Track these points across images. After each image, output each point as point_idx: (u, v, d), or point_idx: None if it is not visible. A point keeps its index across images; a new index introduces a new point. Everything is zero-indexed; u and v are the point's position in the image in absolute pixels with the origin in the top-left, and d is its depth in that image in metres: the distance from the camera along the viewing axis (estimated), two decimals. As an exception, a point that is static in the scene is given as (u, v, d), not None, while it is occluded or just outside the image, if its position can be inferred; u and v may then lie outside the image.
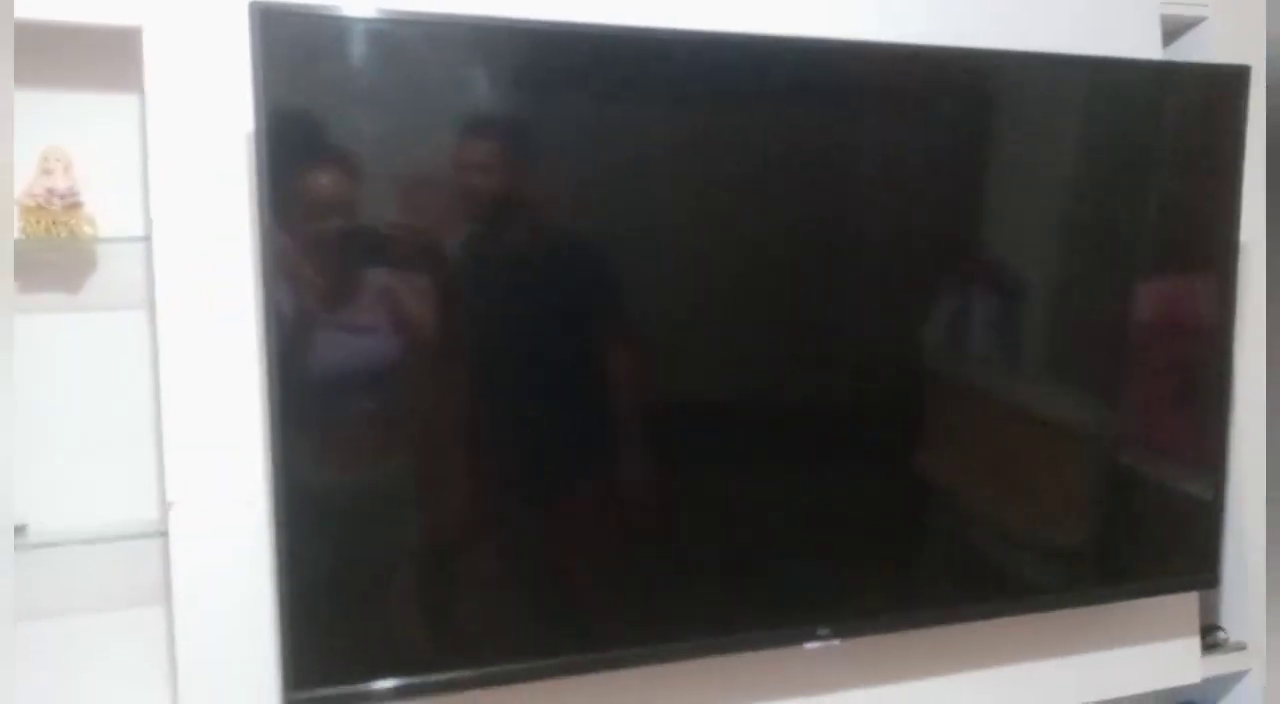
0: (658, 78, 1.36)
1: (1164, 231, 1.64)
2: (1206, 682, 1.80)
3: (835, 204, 1.47)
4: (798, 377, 1.47)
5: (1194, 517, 1.66)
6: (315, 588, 1.23)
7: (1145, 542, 1.67)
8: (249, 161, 1.28)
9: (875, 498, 1.52)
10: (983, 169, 1.54)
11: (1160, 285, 1.65)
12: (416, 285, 1.27)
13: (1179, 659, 1.75)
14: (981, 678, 1.64)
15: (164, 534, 1.30)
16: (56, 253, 1.37)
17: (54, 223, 1.33)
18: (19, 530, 1.33)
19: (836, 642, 1.46)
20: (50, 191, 1.33)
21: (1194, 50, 1.81)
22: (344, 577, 1.25)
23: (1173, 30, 1.80)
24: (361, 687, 1.25)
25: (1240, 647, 1.80)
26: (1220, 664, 1.79)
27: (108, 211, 1.37)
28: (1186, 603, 1.75)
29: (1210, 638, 1.80)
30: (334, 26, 1.20)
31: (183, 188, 1.28)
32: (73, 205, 1.34)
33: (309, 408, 1.22)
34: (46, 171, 1.34)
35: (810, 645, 1.45)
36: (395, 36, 1.23)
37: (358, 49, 1.22)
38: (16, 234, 1.31)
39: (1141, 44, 1.72)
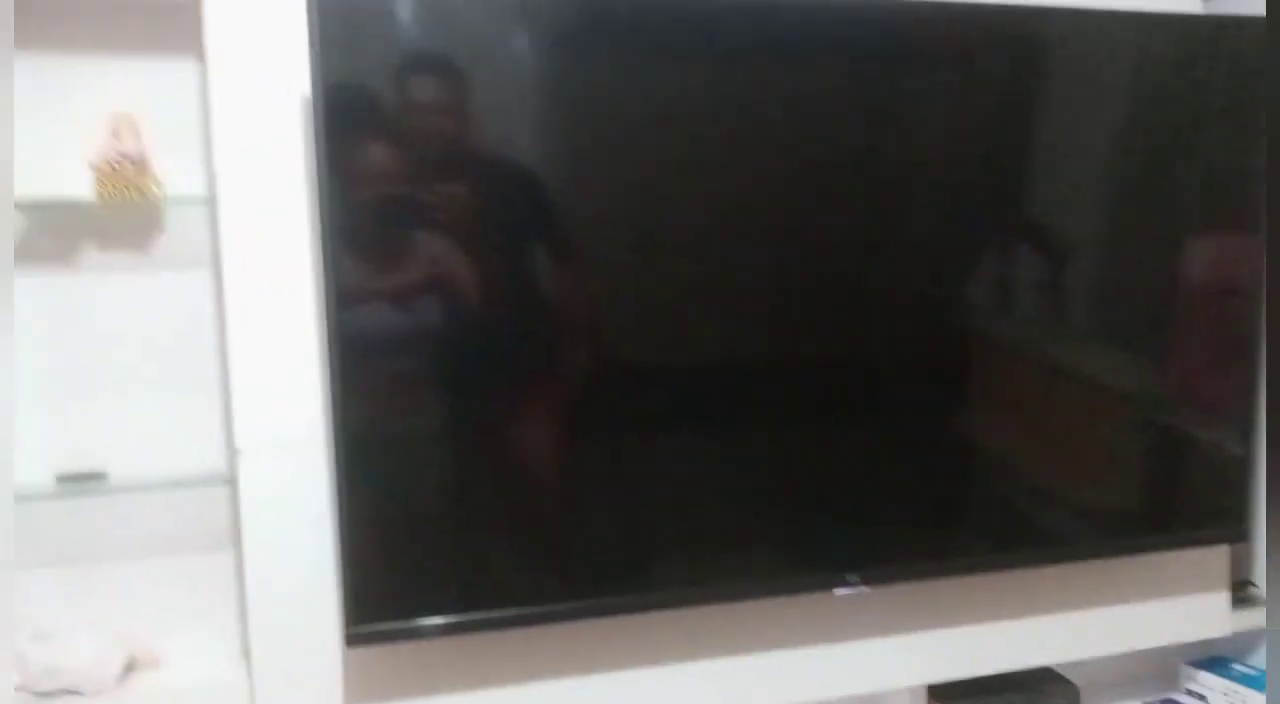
0: (716, 39, 1.39)
1: (1206, 188, 1.64)
2: (1237, 636, 1.83)
3: (880, 163, 1.50)
4: (838, 332, 1.52)
5: (1224, 471, 1.68)
6: (371, 528, 1.30)
7: (1175, 496, 1.69)
8: (306, 125, 1.34)
9: (910, 449, 1.56)
10: (1027, 127, 1.55)
11: (1203, 243, 1.65)
12: (464, 246, 1.33)
13: (1208, 612, 1.78)
14: (1008, 628, 1.68)
15: (231, 481, 1.39)
16: (126, 214, 1.44)
17: (125, 184, 1.40)
18: (99, 477, 1.42)
19: (866, 589, 1.51)
20: (122, 155, 1.40)
21: (1236, 3, 1.79)
22: (397, 517, 1.33)
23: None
24: (417, 621, 1.33)
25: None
26: (1251, 619, 1.81)
27: (173, 173, 1.44)
28: (1217, 557, 1.77)
29: (1242, 592, 1.82)
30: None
31: (243, 150, 1.34)
32: (141, 168, 1.41)
33: (363, 359, 1.29)
34: (116, 135, 1.40)
35: (840, 592, 1.51)
36: (448, 4, 1.27)
37: (411, 16, 1.26)
38: (89, 196, 1.38)
39: (1181, -2, 1.71)
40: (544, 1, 1.32)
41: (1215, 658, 1.88)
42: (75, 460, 1.41)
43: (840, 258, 1.51)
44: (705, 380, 1.47)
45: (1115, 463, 1.66)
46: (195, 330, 1.45)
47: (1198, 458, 1.70)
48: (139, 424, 1.45)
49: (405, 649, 1.39)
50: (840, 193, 1.48)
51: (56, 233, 1.42)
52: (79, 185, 1.38)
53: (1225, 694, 1.79)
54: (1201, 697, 1.83)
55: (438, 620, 1.34)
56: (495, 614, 1.37)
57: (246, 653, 1.39)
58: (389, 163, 1.28)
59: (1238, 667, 1.84)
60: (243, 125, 1.34)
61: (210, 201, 1.37)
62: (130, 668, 1.40)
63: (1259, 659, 1.87)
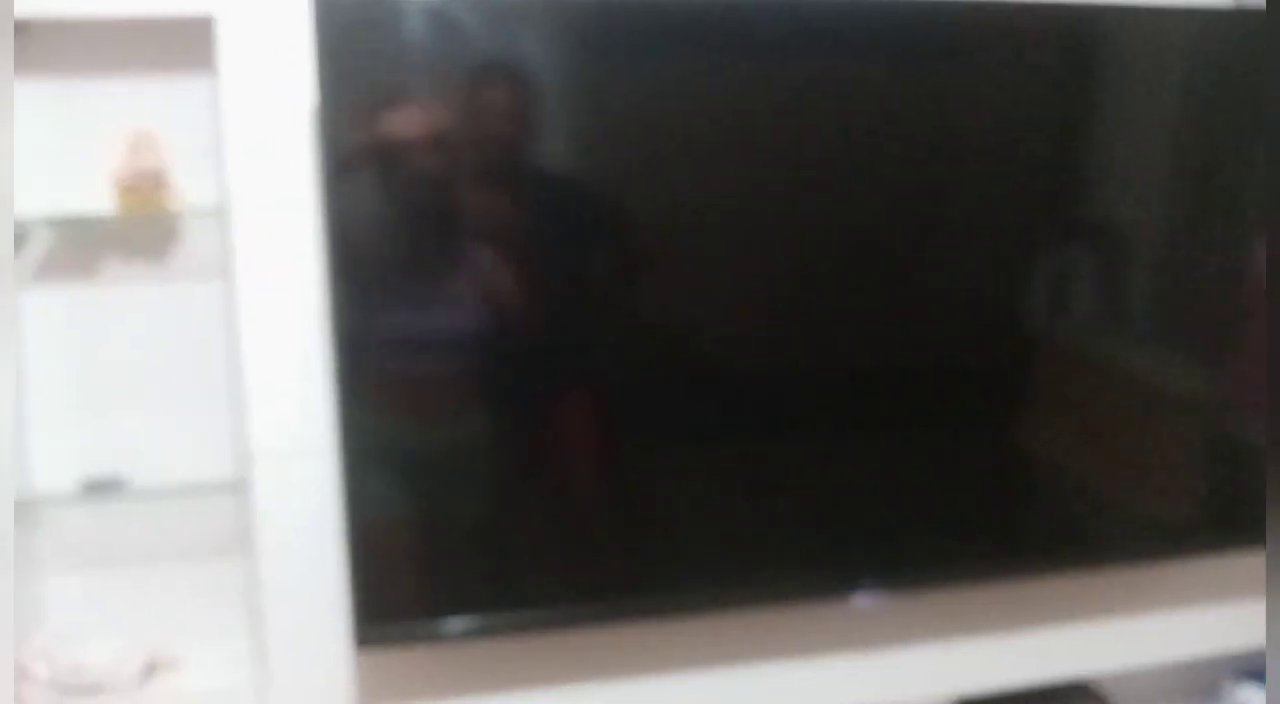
0: (744, 41, 1.39)
1: (1239, 186, 1.59)
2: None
3: (931, 164, 1.49)
4: (873, 336, 1.50)
5: (1261, 474, 1.62)
6: (379, 528, 1.32)
7: (1218, 500, 1.64)
8: (315, 135, 1.37)
9: (934, 453, 1.53)
10: (1083, 124, 1.52)
11: (1239, 242, 1.61)
12: (469, 255, 1.34)
13: (1249, 621, 1.71)
14: (1039, 638, 1.64)
15: (244, 488, 1.41)
16: (145, 228, 1.49)
17: (144, 200, 1.44)
18: (120, 484, 1.46)
19: (884, 596, 1.49)
20: (140, 171, 1.44)
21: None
22: (403, 520, 1.34)
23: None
24: (428, 624, 1.34)
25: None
26: None
27: (190, 187, 1.48)
28: (1257, 564, 1.71)
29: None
30: (389, 6, 1.27)
31: (254, 163, 1.37)
32: (160, 183, 1.45)
33: (368, 365, 1.31)
34: (135, 152, 1.45)
35: (858, 600, 1.48)
36: (447, 14, 1.29)
37: (412, 29, 1.28)
38: (110, 211, 1.43)
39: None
40: (560, 7, 1.33)
41: (1256, 670, 1.80)
42: (97, 467, 1.46)
43: (885, 259, 1.49)
44: (727, 386, 1.46)
45: (1156, 465, 1.61)
46: (211, 340, 1.49)
47: (1236, 461, 1.64)
48: (158, 432, 1.49)
49: (418, 652, 1.41)
50: (891, 194, 1.47)
51: (79, 247, 1.47)
52: (101, 201, 1.43)
53: (1270, 708, 1.71)
54: (1245, 710, 1.76)
55: (450, 623, 1.35)
56: (509, 618, 1.38)
57: (260, 656, 1.41)
58: (391, 173, 1.30)
59: None
60: (253, 139, 1.38)
61: (224, 214, 1.41)
62: (150, 670, 1.43)
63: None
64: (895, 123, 1.46)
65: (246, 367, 1.38)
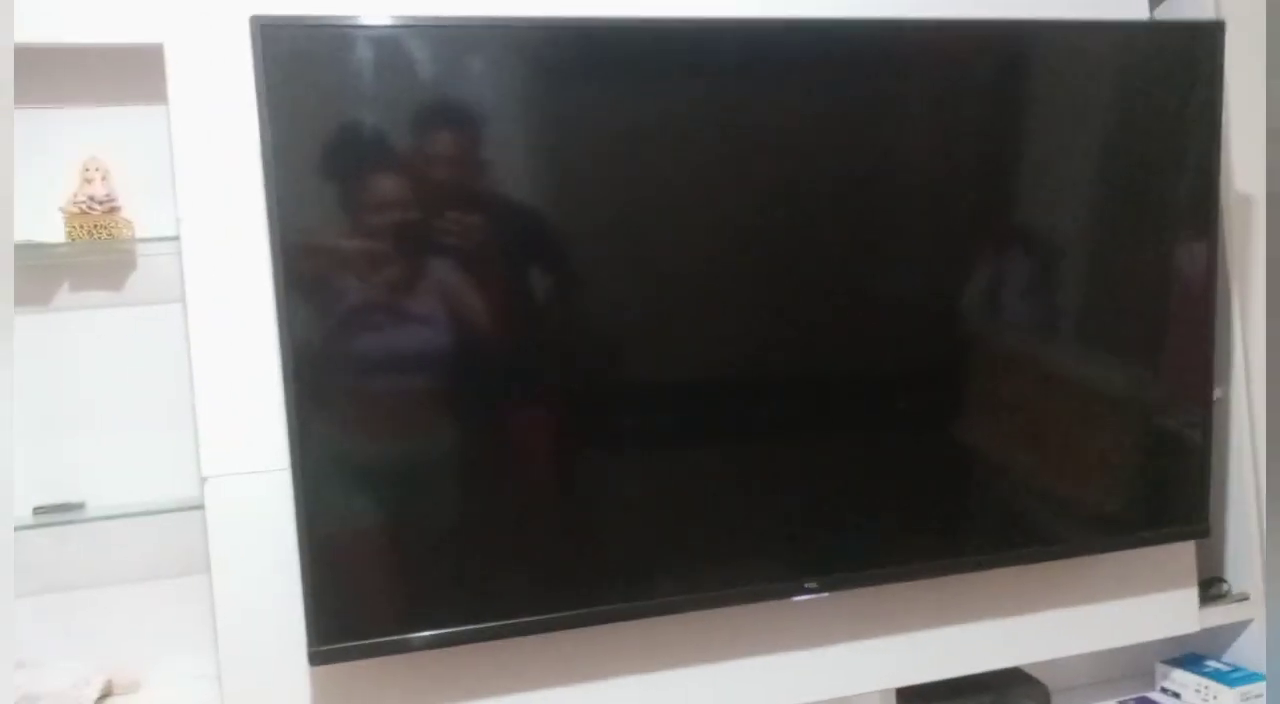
0: (686, 64, 1.46)
1: (1162, 191, 1.67)
2: (1210, 632, 1.84)
3: (869, 177, 1.55)
4: (814, 342, 1.56)
5: (1187, 468, 1.70)
6: (332, 548, 1.35)
7: (1142, 494, 1.71)
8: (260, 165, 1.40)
9: (869, 454, 1.59)
10: (1013, 137, 1.60)
11: (1173, 247, 1.68)
12: (419, 274, 1.38)
13: (1177, 609, 1.79)
14: (976, 630, 1.70)
15: (202, 507, 1.44)
16: (99, 254, 1.51)
17: (95, 227, 1.46)
18: (78, 507, 1.48)
19: (825, 595, 1.55)
20: (91, 198, 1.46)
21: (1184, 8, 1.83)
22: (358, 536, 1.37)
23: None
24: (379, 639, 1.37)
25: (1243, 597, 1.83)
26: (1222, 615, 1.82)
27: (144, 215, 1.51)
28: (1184, 554, 1.79)
29: (1213, 590, 1.84)
30: (330, 36, 1.31)
31: (205, 191, 1.40)
32: (111, 210, 1.47)
33: (320, 383, 1.34)
34: (87, 180, 1.47)
35: (800, 599, 1.54)
36: (390, 43, 1.33)
37: (353, 56, 1.32)
38: (62, 239, 1.45)
39: (1129, 6, 1.76)
40: (483, 36, 1.38)
41: (1189, 655, 1.89)
42: (54, 492, 1.47)
43: (827, 267, 1.55)
44: (675, 395, 1.51)
45: (1081, 461, 1.68)
46: (167, 364, 1.51)
47: (1163, 455, 1.72)
48: (115, 455, 1.51)
49: (377, 666, 1.43)
50: (831, 206, 1.54)
51: (31, 274, 1.49)
52: (53, 229, 1.45)
53: (1199, 690, 1.80)
54: (1176, 694, 1.84)
55: (406, 637, 1.38)
56: (461, 629, 1.41)
57: (219, 674, 1.44)
58: (335, 197, 1.34)
59: (1211, 663, 1.85)
60: (204, 166, 1.40)
61: (178, 239, 1.43)
62: (108, 693, 1.44)
63: (1232, 655, 1.88)
64: (835, 138, 1.53)
65: (197, 389, 1.40)
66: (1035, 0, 1.68)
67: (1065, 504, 1.68)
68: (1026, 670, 1.80)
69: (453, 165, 1.40)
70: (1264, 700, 1.72)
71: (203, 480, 1.41)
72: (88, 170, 1.48)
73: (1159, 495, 1.72)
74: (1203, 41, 1.64)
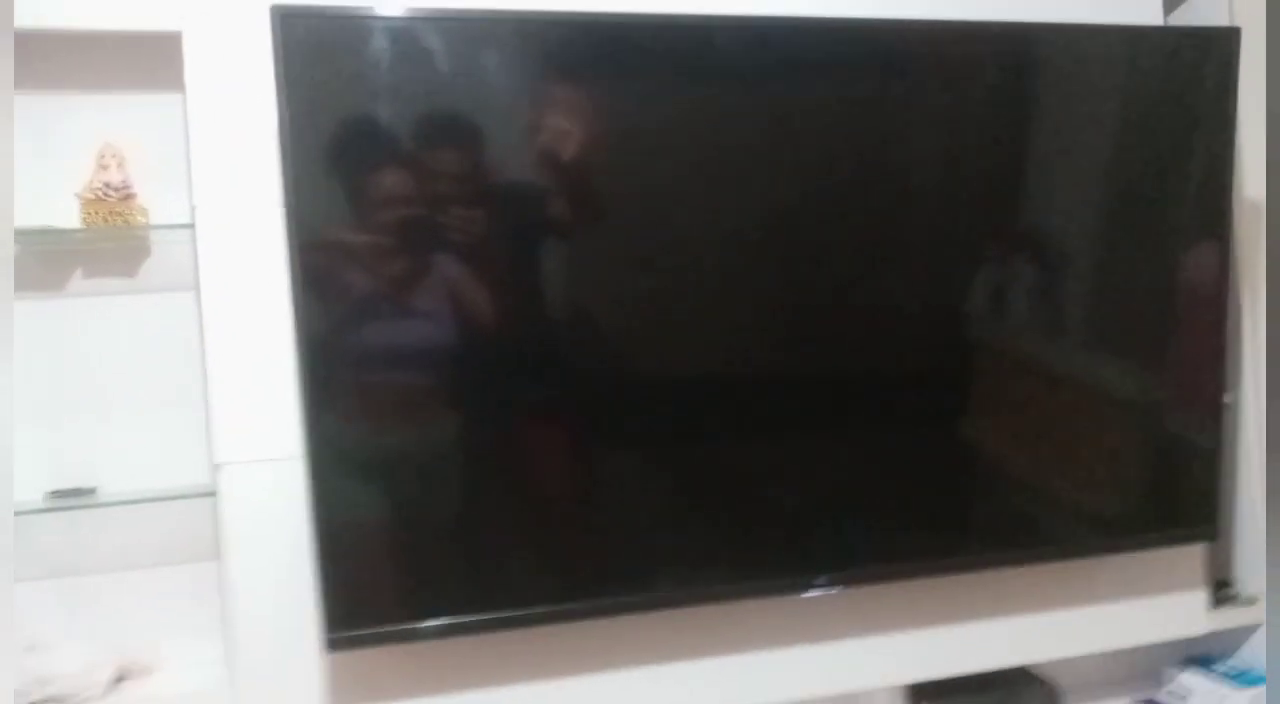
0: (696, 61, 1.45)
1: (1190, 197, 1.66)
2: (1219, 635, 1.84)
3: (878, 179, 1.55)
4: (820, 340, 1.56)
5: (1197, 471, 1.70)
6: (347, 531, 1.35)
7: (1152, 496, 1.71)
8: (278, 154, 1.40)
9: (881, 451, 1.59)
10: (1021, 142, 1.60)
11: (1185, 251, 1.68)
12: (432, 268, 1.38)
13: (1186, 611, 1.79)
14: (987, 628, 1.70)
15: (213, 494, 1.44)
16: (113, 241, 1.51)
17: (111, 213, 1.46)
18: (89, 492, 1.48)
19: (835, 591, 1.54)
20: (106, 185, 1.47)
21: (1198, 14, 1.82)
22: (371, 524, 1.37)
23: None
24: (396, 626, 1.37)
25: (1251, 601, 1.83)
26: (1231, 618, 1.82)
27: (160, 202, 1.51)
28: (1193, 556, 1.79)
29: (1221, 592, 1.83)
30: (350, 25, 1.31)
31: (221, 178, 1.40)
32: (127, 197, 1.48)
33: (335, 372, 1.34)
34: (103, 167, 1.47)
35: (810, 595, 1.54)
36: (408, 33, 1.33)
37: (372, 46, 1.32)
38: (77, 224, 1.45)
39: (1143, 10, 1.75)
40: (504, 29, 1.38)
41: (1198, 656, 1.88)
42: (66, 477, 1.48)
43: (837, 268, 1.55)
44: (686, 391, 1.51)
45: (1090, 463, 1.68)
46: (180, 350, 1.51)
47: (1172, 458, 1.72)
48: (127, 441, 1.51)
49: (388, 654, 1.43)
50: (841, 208, 1.54)
51: (46, 260, 1.49)
52: (69, 215, 1.45)
53: (1207, 693, 1.79)
54: (1183, 697, 1.83)
55: (419, 625, 1.39)
56: (478, 619, 1.41)
57: (231, 661, 1.44)
58: (353, 187, 1.34)
59: (1220, 665, 1.85)
60: (219, 154, 1.41)
61: (193, 227, 1.44)
62: (121, 678, 1.45)
63: (1241, 658, 1.87)
64: (846, 140, 1.53)
65: (211, 375, 1.40)
66: (1049, 2, 1.67)
67: (1076, 505, 1.68)
68: (1035, 670, 1.80)
69: (470, 159, 1.40)
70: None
71: (215, 467, 1.41)
72: (104, 157, 1.48)
73: (1169, 498, 1.71)
74: (1217, 48, 1.63)
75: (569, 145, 1.41)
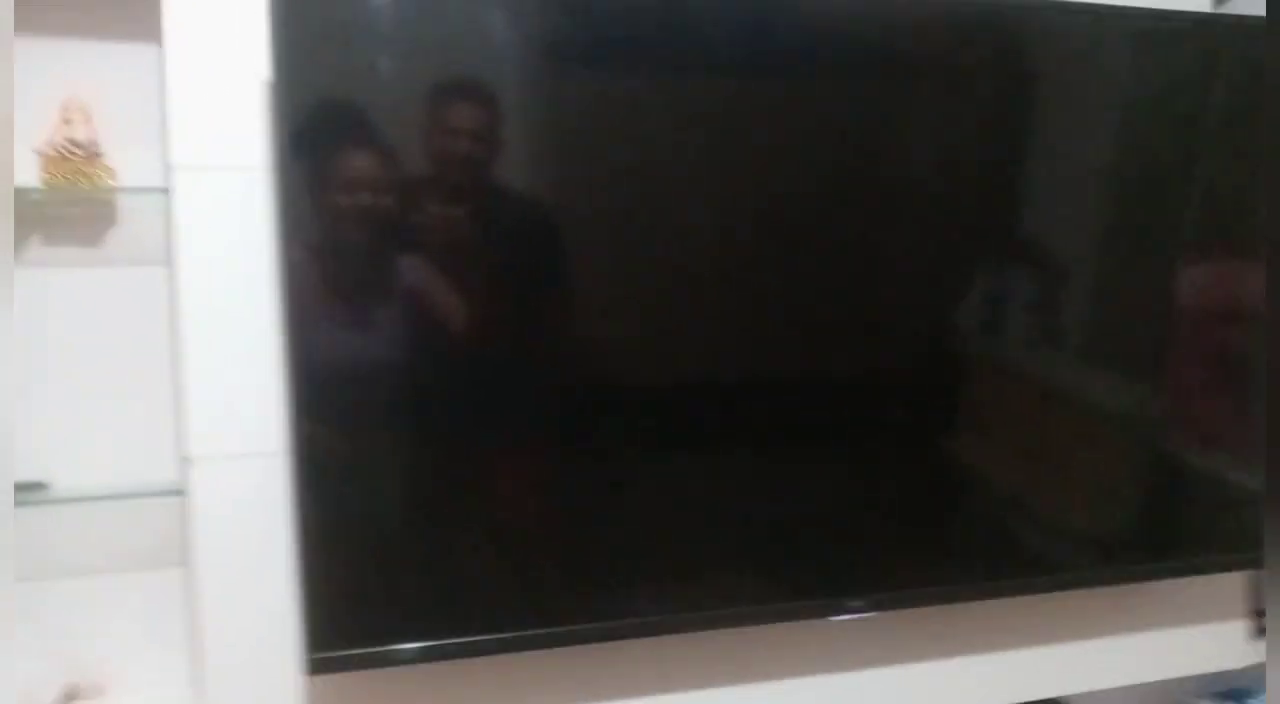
0: (695, 56, 1.30)
1: (1207, 210, 1.55)
2: (1255, 668, 1.74)
3: (874, 187, 1.41)
4: (835, 352, 1.43)
5: (1232, 497, 1.59)
6: (334, 546, 1.20)
7: (1185, 522, 1.61)
8: (269, 116, 1.25)
9: (910, 474, 1.47)
10: (1020, 151, 1.46)
11: (1204, 265, 1.57)
12: (433, 264, 1.24)
13: (1225, 642, 1.69)
14: (1015, 658, 1.59)
15: (182, 492, 1.29)
16: (77, 205, 1.35)
17: (74, 173, 1.31)
18: (39, 487, 1.32)
19: (868, 615, 1.42)
20: (71, 142, 1.31)
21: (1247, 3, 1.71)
22: (362, 534, 1.23)
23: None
24: (384, 647, 1.23)
25: (1290, 631, 1.73)
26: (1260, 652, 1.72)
27: (129, 164, 1.35)
28: (1234, 585, 1.69)
29: (1261, 622, 1.74)
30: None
31: (202, 139, 1.25)
32: (93, 156, 1.32)
33: (326, 365, 1.19)
34: (66, 121, 1.32)
35: (839, 618, 1.42)
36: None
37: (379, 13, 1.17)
38: (37, 184, 1.29)
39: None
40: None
41: (1231, 690, 1.79)
42: (15, 470, 1.31)
43: (839, 279, 1.41)
44: (694, 401, 1.37)
45: (1124, 489, 1.58)
46: (148, 331, 1.36)
47: (1207, 483, 1.61)
48: (85, 431, 1.35)
49: (371, 677, 1.29)
50: (834, 213, 1.39)
51: (0, 224, 1.33)
52: (27, 173, 1.29)
53: (1240, 728, 1.70)
54: (1215, 731, 1.74)
55: (402, 648, 1.24)
56: (469, 640, 1.27)
57: (198, 680, 1.29)
58: (356, 172, 1.19)
59: (1253, 701, 1.75)
60: (202, 112, 1.25)
61: (166, 192, 1.28)
62: (71, 698, 1.29)
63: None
64: (839, 143, 1.38)
65: (187, 361, 1.25)
66: None
67: (1110, 532, 1.57)
68: (1065, 701, 1.69)
69: (474, 129, 1.26)
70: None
71: (185, 462, 1.26)
72: (68, 110, 1.32)
73: (1206, 523, 1.61)
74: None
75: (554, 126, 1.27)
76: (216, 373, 1.25)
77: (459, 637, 1.26)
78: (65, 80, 1.33)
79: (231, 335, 1.26)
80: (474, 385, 1.27)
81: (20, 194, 1.30)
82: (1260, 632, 1.72)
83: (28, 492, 1.30)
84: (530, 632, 1.29)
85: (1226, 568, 1.65)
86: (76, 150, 1.30)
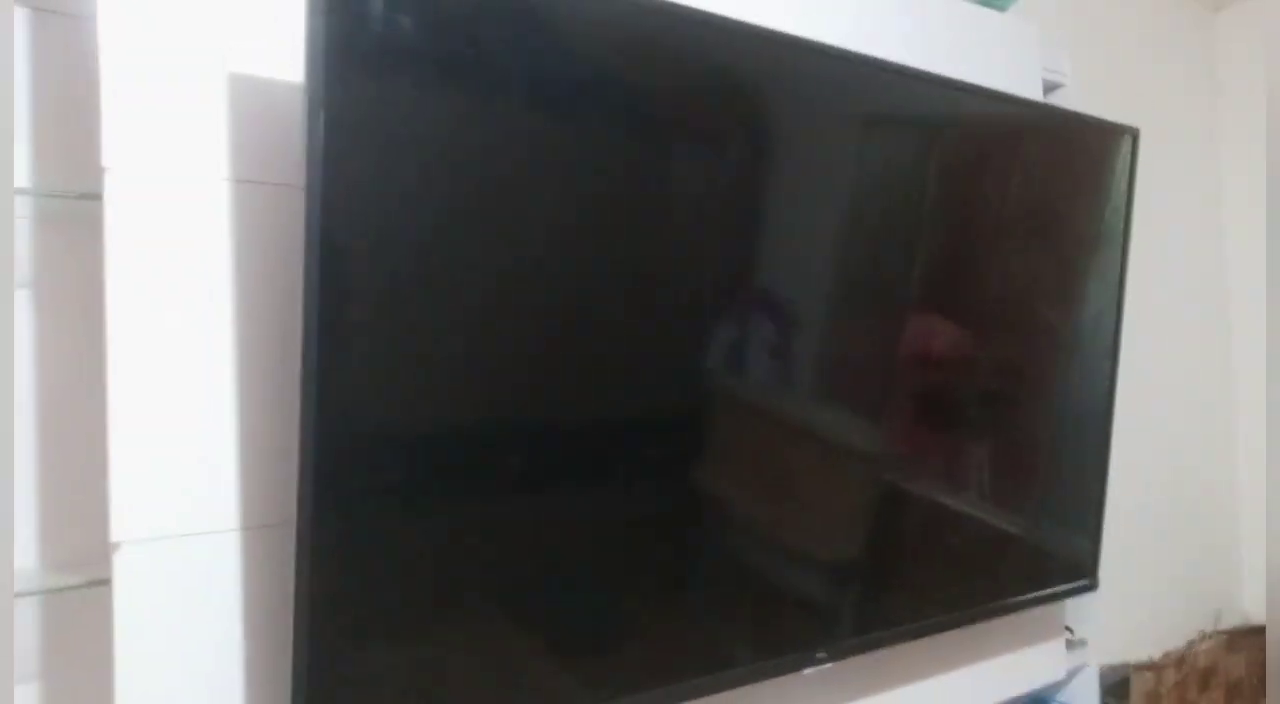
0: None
1: (920, 268, 1.64)
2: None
3: (633, 244, 1.29)
4: (599, 397, 1.26)
5: (1080, 529, 1.85)
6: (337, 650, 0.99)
7: (1044, 552, 1.82)
8: (229, 107, 1.04)
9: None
10: (765, 213, 1.41)
11: (917, 318, 1.67)
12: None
13: (1050, 659, 1.93)
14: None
15: (101, 583, 1.00)
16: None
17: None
18: None
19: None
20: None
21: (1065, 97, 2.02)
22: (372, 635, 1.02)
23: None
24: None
25: (1083, 644, 2.03)
26: (1074, 659, 2.00)
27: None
28: (1058, 606, 1.94)
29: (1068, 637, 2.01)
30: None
31: (147, 136, 1.00)
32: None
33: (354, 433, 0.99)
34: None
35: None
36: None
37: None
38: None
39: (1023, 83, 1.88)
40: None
41: (1031, 697, 2.04)
42: None
43: (600, 327, 1.25)
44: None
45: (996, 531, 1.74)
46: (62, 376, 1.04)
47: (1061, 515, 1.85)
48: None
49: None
50: (584, 264, 1.23)
51: None
52: None
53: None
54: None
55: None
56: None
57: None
58: (395, 176, 1.01)
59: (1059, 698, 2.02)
60: (147, 102, 1.00)
61: (89, 198, 1.01)
62: None
63: (1069, 695, 2.06)
64: (602, 196, 1.24)
65: (113, 414, 0.98)
66: (921, 47, 1.68)
67: (978, 565, 1.73)
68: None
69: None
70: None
71: (112, 547, 0.98)
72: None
73: (1056, 554, 1.84)
74: (1120, 146, 1.80)
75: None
76: (157, 430, 1.00)
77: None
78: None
79: (178, 379, 1.01)
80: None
81: None
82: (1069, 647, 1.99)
83: None
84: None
85: (1074, 593, 1.86)
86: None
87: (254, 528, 1.05)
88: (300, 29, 0.95)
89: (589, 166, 1.19)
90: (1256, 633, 2.85)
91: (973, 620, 1.71)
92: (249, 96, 1.06)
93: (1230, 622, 2.88)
